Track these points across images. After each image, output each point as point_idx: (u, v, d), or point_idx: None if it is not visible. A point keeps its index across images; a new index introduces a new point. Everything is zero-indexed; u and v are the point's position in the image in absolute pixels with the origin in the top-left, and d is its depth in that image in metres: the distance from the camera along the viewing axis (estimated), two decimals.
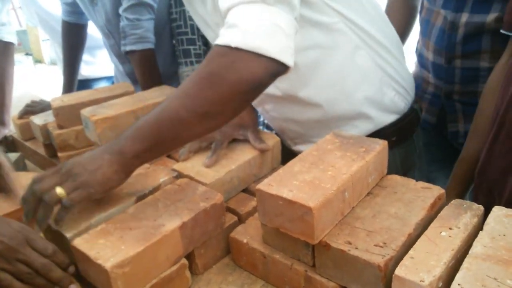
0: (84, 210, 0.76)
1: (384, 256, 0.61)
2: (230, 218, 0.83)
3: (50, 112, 1.31)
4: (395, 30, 1.07)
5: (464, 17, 1.10)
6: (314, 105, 0.99)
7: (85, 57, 1.86)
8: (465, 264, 0.56)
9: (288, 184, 0.68)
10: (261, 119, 1.47)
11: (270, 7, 0.70)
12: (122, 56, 1.56)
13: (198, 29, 1.42)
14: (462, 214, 0.66)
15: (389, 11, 1.39)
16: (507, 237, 0.60)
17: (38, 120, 1.32)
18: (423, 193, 0.73)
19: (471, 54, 1.13)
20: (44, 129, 1.29)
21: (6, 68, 1.62)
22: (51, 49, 3.84)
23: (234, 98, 0.70)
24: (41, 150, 1.35)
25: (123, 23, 1.40)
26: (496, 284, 0.52)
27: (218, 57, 0.71)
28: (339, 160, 0.73)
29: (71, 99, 1.26)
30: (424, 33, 1.26)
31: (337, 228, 0.67)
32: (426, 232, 0.63)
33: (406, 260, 0.58)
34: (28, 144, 1.42)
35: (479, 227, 0.64)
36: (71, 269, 0.71)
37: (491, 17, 1.06)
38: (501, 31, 0.94)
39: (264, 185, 0.69)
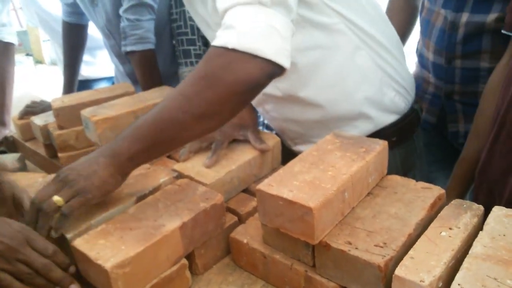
0: (84, 211, 0.76)
1: (384, 256, 0.61)
2: (230, 218, 0.83)
3: (50, 112, 1.31)
4: (396, 30, 1.07)
5: (465, 17, 1.10)
6: (314, 106, 0.99)
7: (86, 57, 1.86)
8: (465, 264, 0.56)
9: (288, 184, 0.68)
10: (261, 119, 1.47)
11: (266, 9, 0.70)
12: (123, 57, 1.56)
13: (198, 30, 1.42)
14: (462, 214, 0.66)
15: (390, 11, 1.39)
16: (507, 237, 0.60)
17: (38, 120, 1.33)
18: (423, 193, 0.73)
19: (471, 54, 1.13)
20: (45, 129, 1.29)
21: (7, 68, 1.62)
22: (52, 49, 3.85)
23: (231, 99, 0.70)
24: (42, 151, 1.35)
25: (123, 23, 1.40)
26: (496, 284, 0.52)
27: (215, 58, 0.71)
28: (339, 160, 0.73)
29: (71, 99, 1.26)
30: (425, 33, 1.26)
31: (337, 228, 0.67)
32: (426, 232, 0.63)
33: (406, 260, 0.58)
34: (28, 144, 1.42)
35: (479, 227, 0.64)
36: (72, 269, 0.71)
37: (491, 17, 1.06)
38: (502, 31, 0.94)
39: (264, 185, 0.69)
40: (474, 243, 0.60)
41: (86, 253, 0.66)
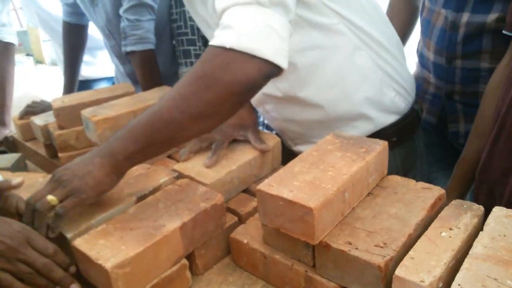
0: (85, 211, 0.76)
1: (384, 256, 0.61)
2: (231, 219, 0.83)
3: (50, 112, 1.31)
4: (397, 30, 1.07)
5: (465, 17, 1.10)
6: (314, 106, 0.99)
7: (86, 57, 1.86)
8: (465, 264, 0.56)
9: (288, 184, 0.68)
10: (261, 119, 1.47)
11: (264, 9, 0.70)
12: (123, 57, 1.56)
13: (198, 30, 1.42)
14: (462, 215, 0.66)
15: (390, 11, 1.39)
16: (507, 238, 0.60)
17: (38, 120, 1.33)
18: (423, 194, 0.73)
19: (472, 54, 1.13)
20: (45, 129, 1.29)
21: (7, 68, 1.63)
22: (52, 49, 3.85)
23: (228, 99, 0.70)
24: (42, 151, 1.35)
25: (123, 23, 1.40)
26: (496, 284, 0.52)
27: (212, 58, 0.71)
28: (339, 161, 0.73)
29: (71, 99, 1.26)
30: (425, 33, 1.26)
31: (338, 228, 0.67)
32: (426, 233, 0.63)
33: (406, 261, 0.58)
34: (28, 144, 1.43)
35: (479, 227, 0.64)
36: (72, 269, 0.71)
37: (492, 17, 1.06)
38: (503, 31, 0.94)
39: (265, 186, 0.69)
40: (474, 244, 0.60)
41: (87, 253, 0.66)
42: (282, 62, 0.71)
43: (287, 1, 0.72)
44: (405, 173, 0.93)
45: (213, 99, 0.69)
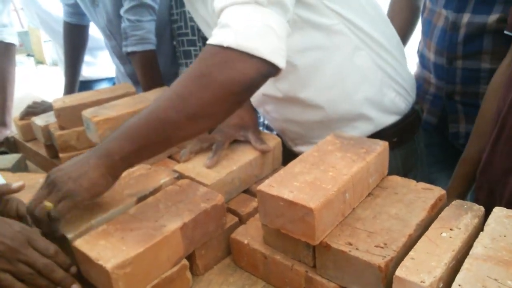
0: (85, 211, 0.76)
1: (385, 257, 0.61)
2: (231, 219, 0.83)
3: (51, 113, 1.31)
4: (397, 29, 1.07)
5: (466, 18, 1.10)
6: (314, 106, 0.99)
7: (87, 58, 1.87)
8: (465, 265, 0.56)
9: (289, 185, 0.68)
10: (262, 120, 1.47)
11: (263, 8, 0.70)
12: (124, 57, 1.56)
13: (198, 30, 1.42)
14: (462, 215, 0.66)
15: (391, 12, 1.39)
16: (508, 238, 0.60)
17: (39, 121, 1.33)
18: (423, 194, 0.73)
19: (472, 55, 1.13)
20: (46, 130, 1.29)
21: (8, 69, 1.63)
22: (53, 50, 3.86)
23: (226, 99, 0.70)
24: (43, 151, 1.35)
25: (124, 24, 1.40)
26: (496, 285, 0.52)
27: (210, 57, 0.70)
28: (339, 161, 0.73)
29: (72, 100, 1.26)
30: (426, 33, 1.26)
31: (338, 229, 0.67)
32: (427, 233, 0.63)
33: (406, 261, 0.58)
34: (29, 145, 1.43)
35: (480, 228, 0.64)
36: (73, 269, 0.71)
37: (492, 18, 1.06)
38: (505, 32, 0.94)
39: (265, 186, 0.69)
40: (475, 244, 0.60)
41: (87, 254, 0.67)
42: (279, 61, 0.70)
43: (285, 1, 0.72)
44: (405, 174, 0.93)
45: (210, 99, 0.69)
